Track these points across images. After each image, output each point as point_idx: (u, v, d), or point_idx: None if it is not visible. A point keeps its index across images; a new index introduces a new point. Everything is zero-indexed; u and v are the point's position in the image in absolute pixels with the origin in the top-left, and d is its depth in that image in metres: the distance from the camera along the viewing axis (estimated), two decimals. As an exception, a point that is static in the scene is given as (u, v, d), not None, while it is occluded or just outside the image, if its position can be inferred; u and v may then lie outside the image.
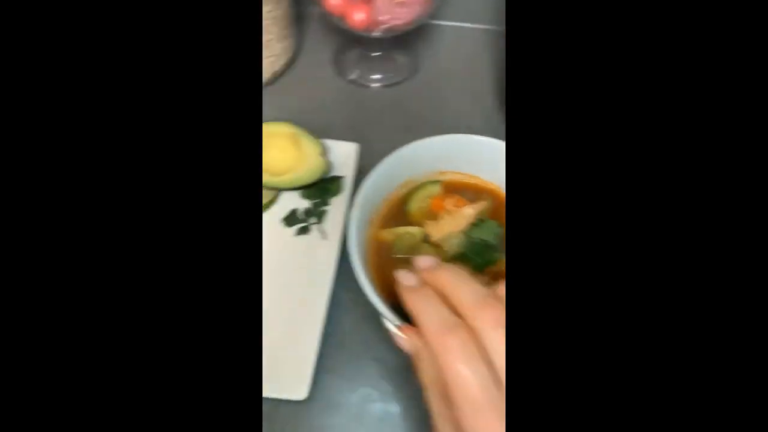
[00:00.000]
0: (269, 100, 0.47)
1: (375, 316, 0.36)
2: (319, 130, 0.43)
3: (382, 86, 0.52)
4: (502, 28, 0.58)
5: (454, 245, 0.35)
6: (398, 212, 0.38)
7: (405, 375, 0.34)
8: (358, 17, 0.44)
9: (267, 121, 0.42)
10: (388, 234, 0.36)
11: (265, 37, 0.46)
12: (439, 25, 0.58)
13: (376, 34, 0.47)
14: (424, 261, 0.26)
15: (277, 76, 0.51)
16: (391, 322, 0.27)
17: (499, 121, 0.49)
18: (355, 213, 0.33)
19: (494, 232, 0.35)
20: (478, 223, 0.35)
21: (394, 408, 0.34)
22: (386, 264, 0.35)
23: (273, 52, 0.48)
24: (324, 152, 0.42)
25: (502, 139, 0.36)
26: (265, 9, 0.44)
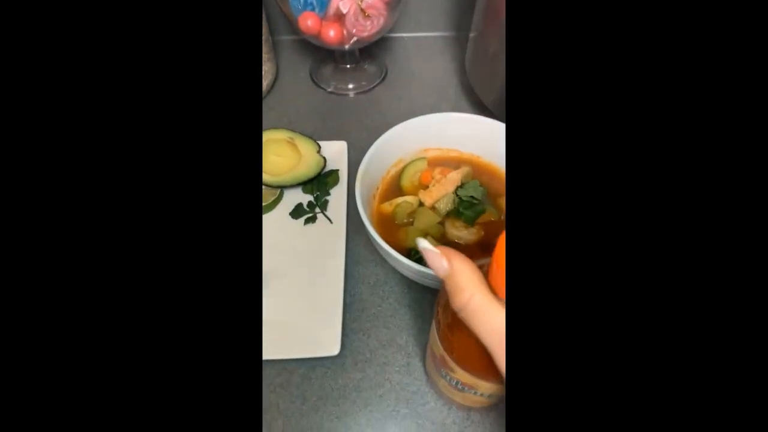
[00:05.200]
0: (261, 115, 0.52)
1: (384, 283, 0.41)
2: (310, 135, 0.49)
3: (356, 93, 0.59)
4: (452, 33, 0.66)
5: (446, 205, 0.40)
6: (394, 187, 0.43)
7: (420, 327, 0.39)
8: (330, 34, 0.51)
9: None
10: (388, 206, 0.41)
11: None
12: (398, 37, 0.65)
13: (347, 47, 0.53)
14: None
15: (264, 96, 0.57)
16: (424, 245, 0.24)
17: (466, 109, 0.56)
18: (358, 191, 0.38)
19: (478, 190, 0.41)
20: (463, 184, 0.41)
21: (414, 356, 0.38)
22: (390, 231, 0.40)
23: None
24: (319, 149, 0.47)
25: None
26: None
